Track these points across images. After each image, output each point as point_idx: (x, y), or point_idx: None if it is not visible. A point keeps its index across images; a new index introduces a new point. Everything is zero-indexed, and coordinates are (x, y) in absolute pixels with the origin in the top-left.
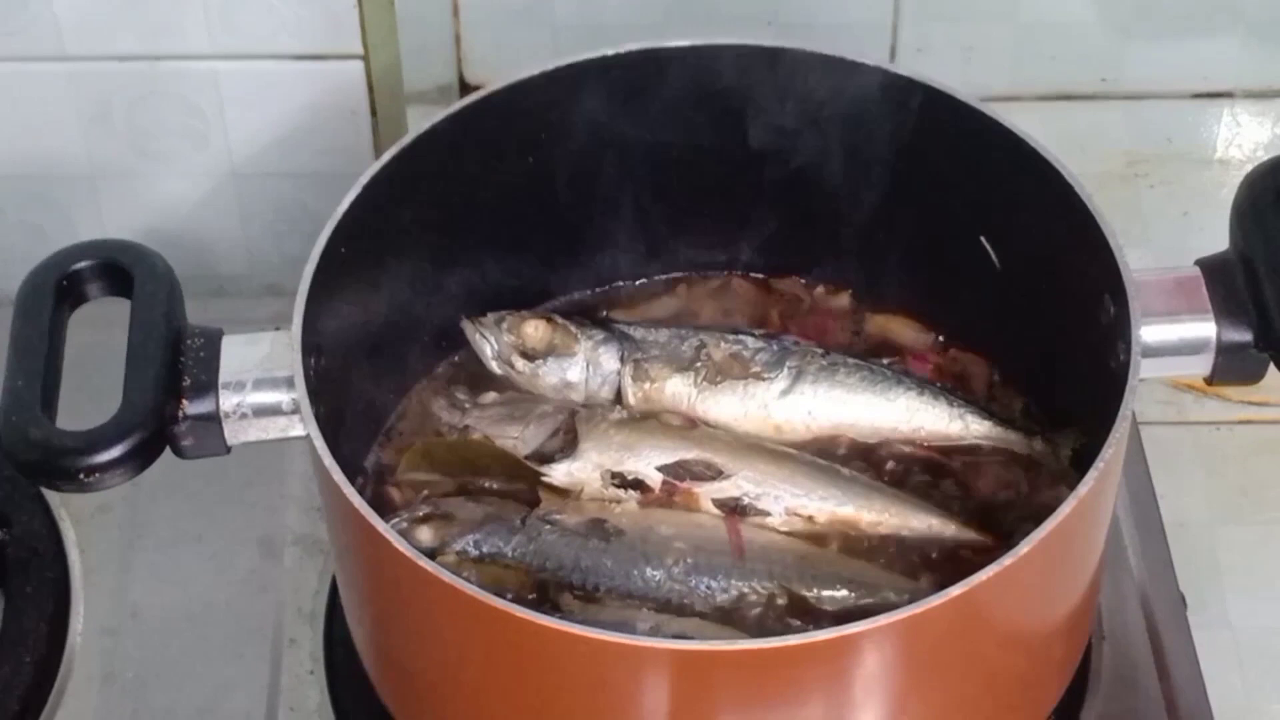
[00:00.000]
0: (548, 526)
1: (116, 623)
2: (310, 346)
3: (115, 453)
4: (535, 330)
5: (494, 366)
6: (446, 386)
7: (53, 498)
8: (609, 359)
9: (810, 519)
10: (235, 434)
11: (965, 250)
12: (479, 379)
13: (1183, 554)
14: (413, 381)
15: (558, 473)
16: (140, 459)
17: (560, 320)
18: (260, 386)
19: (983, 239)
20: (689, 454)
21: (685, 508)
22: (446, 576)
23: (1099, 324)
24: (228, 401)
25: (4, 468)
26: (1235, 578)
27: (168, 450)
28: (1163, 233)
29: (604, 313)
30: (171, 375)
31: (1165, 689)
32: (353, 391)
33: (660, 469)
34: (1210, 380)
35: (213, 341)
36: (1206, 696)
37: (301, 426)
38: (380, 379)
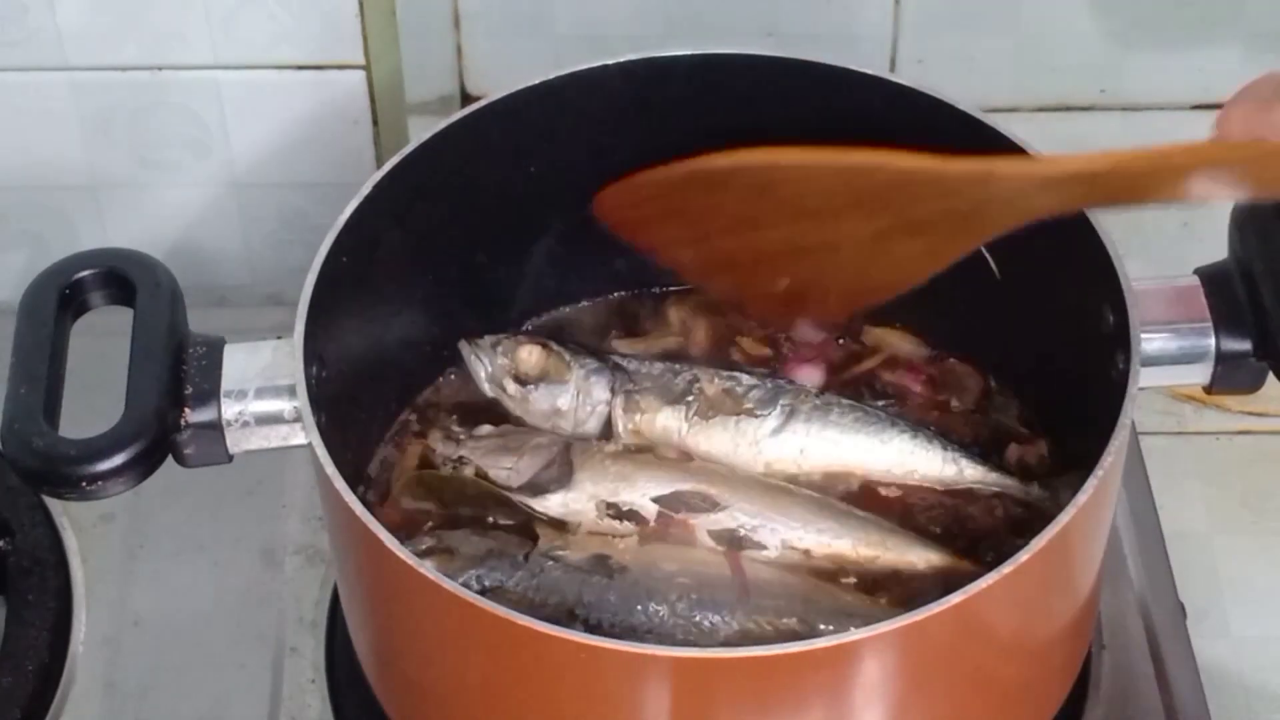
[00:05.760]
0: (551, 562)
1: (118, 632)
2: (312, 355)
3: (117, 461)
4: (529, 355)
5: (486, 388)
6: (441, 418)
7: (55, 506)
8: (600, 389)
9: (807, 552)
10: (237, 442)
11: (964, 260)
12: (474, 412)
13: (1182, 564)
14: (414, 390)
15: (552, 503)
16: (142, 467)
17: (555, 347)
18: (262, 395)
19: (982, 249)
20: (684, 485)
21: (681, 540)
22: (448, 585)
23: (1098, 334)
24: (230, 410)
25: (6, 476)
26: (1235, 588)
27: (170, 459)
28: (1162, 243)
29: (604, 342)
30: (174, 384)
31: (1165, 698)
32: (354, 400)
33: (655, 500)
34: (1209, 389)
35: (215, 350)
36: (1206, 706)
37: (303, 435)
38: (382, 387)
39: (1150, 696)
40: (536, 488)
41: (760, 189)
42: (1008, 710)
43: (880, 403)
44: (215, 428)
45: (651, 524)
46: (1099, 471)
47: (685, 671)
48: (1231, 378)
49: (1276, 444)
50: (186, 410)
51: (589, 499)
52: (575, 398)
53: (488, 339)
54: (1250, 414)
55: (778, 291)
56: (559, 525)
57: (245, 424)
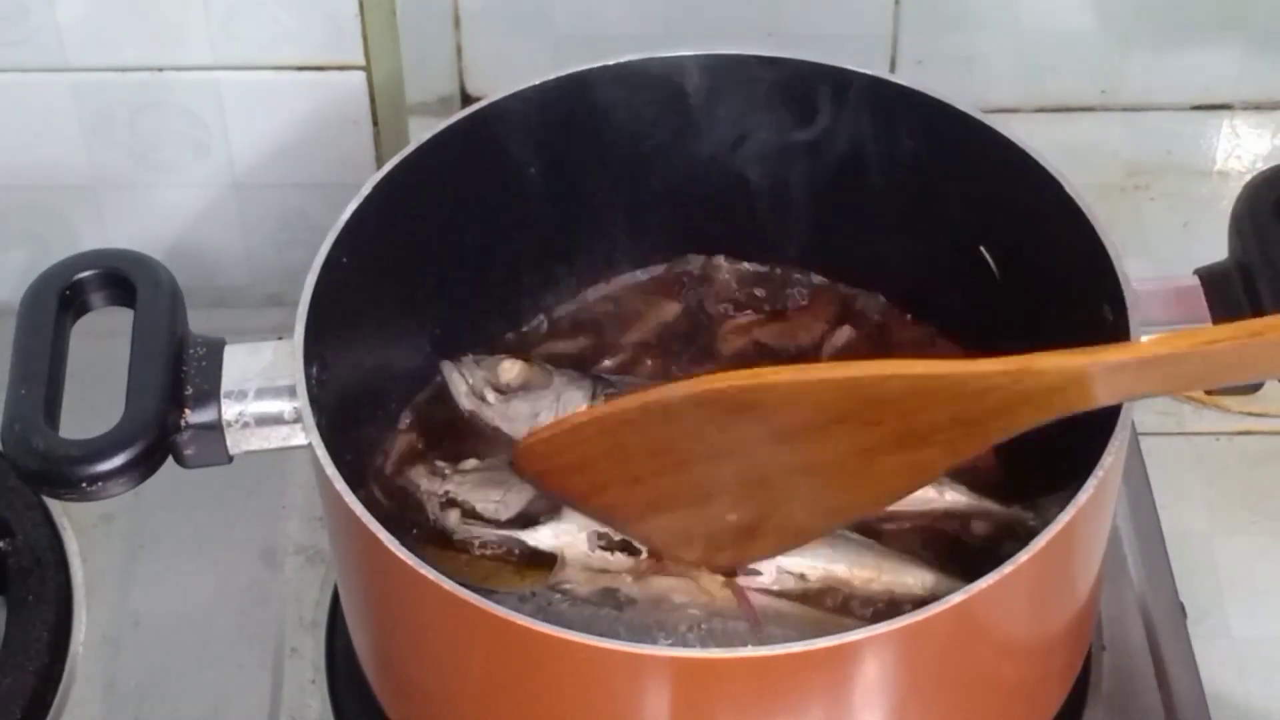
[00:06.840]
0: (558, 595)
1: (118, 632)
2: (312, 356)
3: (118, 462)
4: (511, 367)
5: (465, 403)
6: (426, 454)
7: (55, 507)
8: (580, 396)
9: (802, 576)
10: (237, 443)
11: (964, 260)
12: (459, 446)
13: (1183, 564)
14: (415, 391)
15: (543, 535)
16: (143, 468)
17: (537, 360)
18: (262, 396)
19: (982, 249)
20: None
21: (677, 570)
22: (448, 585)
23: (1098, 333)
24: (230, 411)
25: (7, 477)
26: (1235, 588)
27: (170, 460)
28: (1163, 244)
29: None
30: (174, 384)
31: (1165, 699)
32: (354, 401)
33: None
34: (1210, 389)
35: (215, 351)
36: (1206, 706)
37: (303, 436)
38: (382, 388)
39: (1150, 697)
40: (526, 520)
41: (737, 411)
42: (1008, 711)
43: None
44: (215, 428)
45: (644, 554)
46: (1099, 471)
47: (685, 671)
48: None
49: (1276, 444)
50: (187, 411)
51: (579, 529)
52: (556, 403)
53: (470, 356)
54: (1250, 414)
55: (723, 527)
56: (550, 563)
57: (245, 425)
